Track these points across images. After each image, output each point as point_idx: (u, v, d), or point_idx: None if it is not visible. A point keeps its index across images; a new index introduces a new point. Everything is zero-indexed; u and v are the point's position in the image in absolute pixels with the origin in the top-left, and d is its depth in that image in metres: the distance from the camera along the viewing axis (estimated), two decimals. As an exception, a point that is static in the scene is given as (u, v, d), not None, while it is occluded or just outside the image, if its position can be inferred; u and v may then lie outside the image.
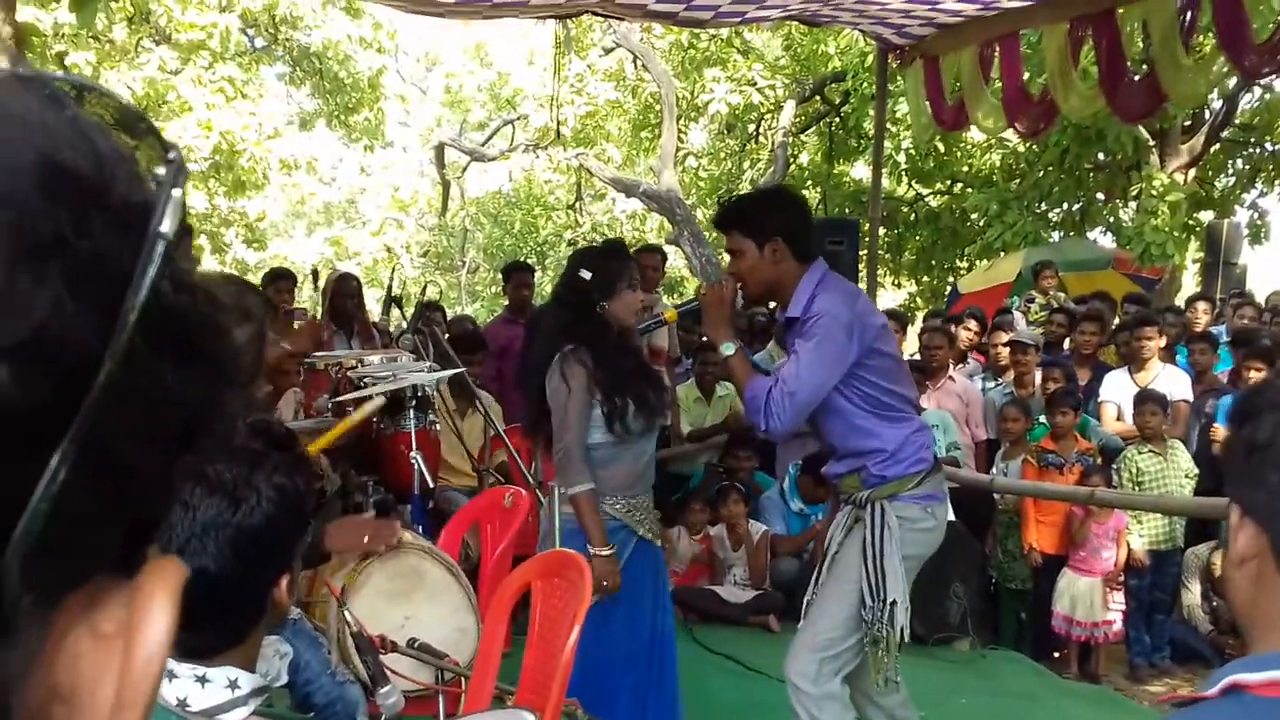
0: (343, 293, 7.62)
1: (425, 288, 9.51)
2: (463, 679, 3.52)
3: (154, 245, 0.46)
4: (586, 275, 4.16)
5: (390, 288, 7.68)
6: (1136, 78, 6.66)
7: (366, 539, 3.53)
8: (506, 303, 9.11)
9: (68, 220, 0.44)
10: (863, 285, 10.17)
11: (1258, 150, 17.49)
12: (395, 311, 8.59)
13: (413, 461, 5.23)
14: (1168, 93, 6.32)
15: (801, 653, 3.94)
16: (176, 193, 0.47)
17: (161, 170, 0.48)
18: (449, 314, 19.66)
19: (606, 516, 4.08)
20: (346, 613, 3.30)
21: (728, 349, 4.04)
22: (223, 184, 18.85)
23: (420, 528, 5.43)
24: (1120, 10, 6.34)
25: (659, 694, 4.32)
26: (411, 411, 5.37)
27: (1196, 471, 7.26)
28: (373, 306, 11.40)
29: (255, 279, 24.63)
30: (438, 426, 5.83)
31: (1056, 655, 7.23)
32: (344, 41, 19.43)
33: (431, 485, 5.28)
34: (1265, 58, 5.76)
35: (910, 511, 3.96)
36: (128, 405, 0.45)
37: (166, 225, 0.46)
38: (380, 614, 3.53)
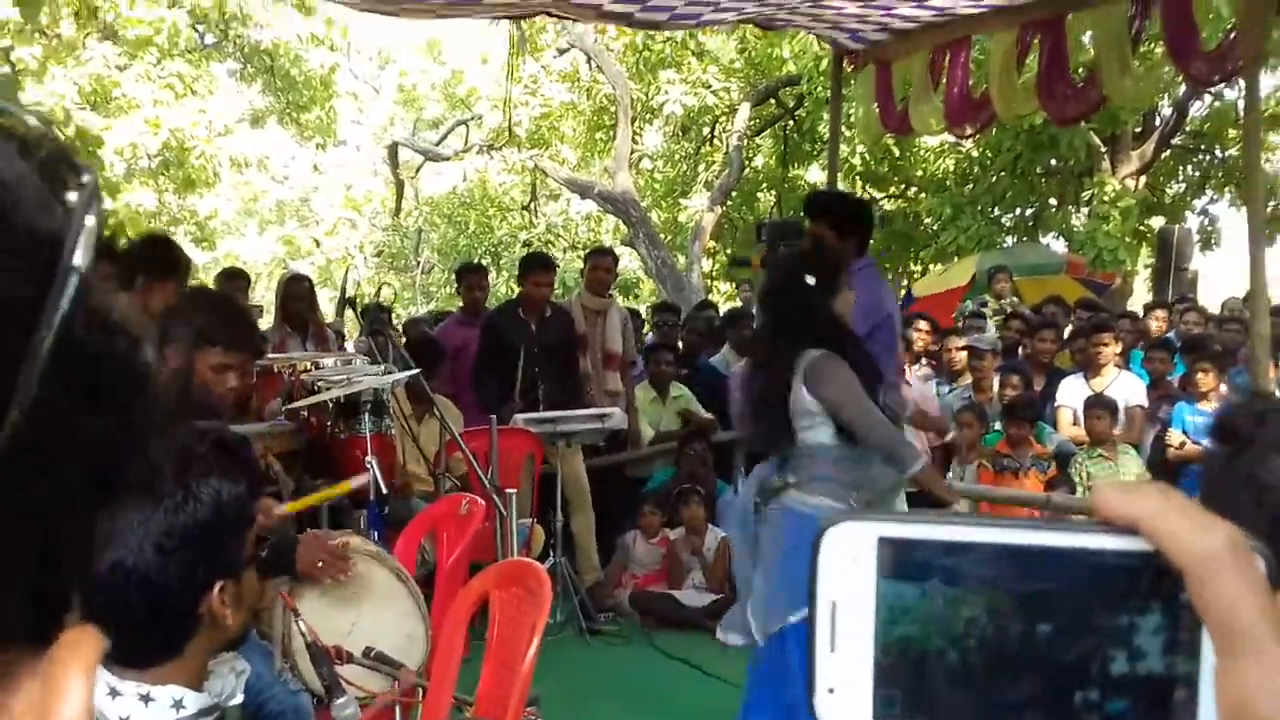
0: (295, 294, 7.55)
1: (380, 289, 9.42)
2: (419, 689, 3.47)
3: (65, 281, 0.41)
4: (811, 280, 4.28)
5: (345, 289, 7.62)
6: (1079, 84, 6.70)
7: (319, 565, 3.46)
8: (460, 304, 9.04)
9: None
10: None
11: (1208, 157, 17.71)
12: (350, 313, 8.52)
13: (368, 466, 5.18)
14: (1111, 97, 6.36)
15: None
16: (90, 220, 0.42)
17: (73, 196, 0.43)
18: (404, 314, 19.53)
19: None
20: (300, 623, 3.25)
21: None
22: (172, 181, 18.66)
23: (375, 533, 5.38)
24: (1070, 16, 6.38)
25: None
26: (367, 416, 5.31)
27: (1148, 477, 7.32)
28: (327, 307, 11.30)
29: (207, 278, 24.47)
30: (393, 431, 5.78)
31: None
32: (295, 39, 19.27)
33: (386, 490, 5.22)
34: (1213, 66, 5.81)
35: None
36: (34, 460, 0.41)
37: (79, 257, 0.42)
38: (325, 620, 3.43)
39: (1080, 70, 6.68)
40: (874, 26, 7.23)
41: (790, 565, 4.20)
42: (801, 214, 18.61)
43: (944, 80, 7.23)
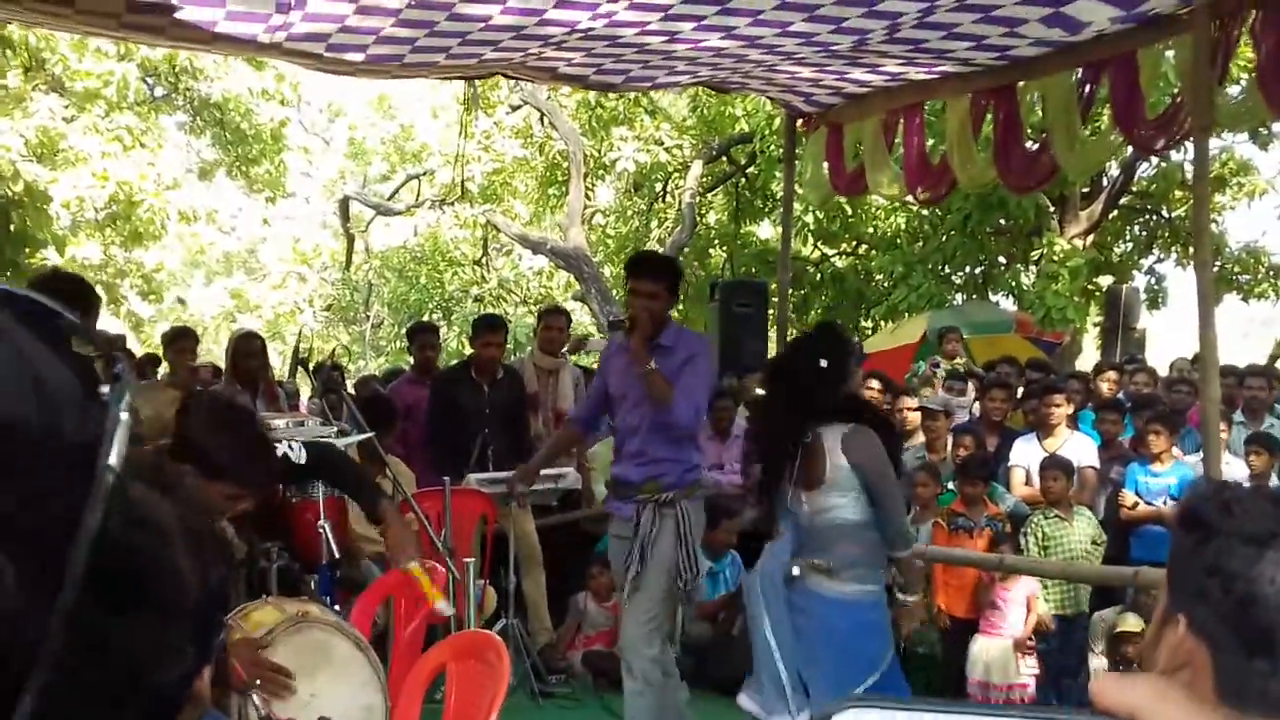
0: (246, 352, 7.50)
1: (334, 350, 9.34)
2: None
3: (102, 485, 0.41)
4: (824, 363, 4.48)
5: (297, 349, 7.56)
6: (1034, 147, 6.78)
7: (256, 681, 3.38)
8: (411, 362, 8.99)
9: (12, 493, 0.39)
10: (772, 346, 10.21)
11: (1154, 217, 17.98)
12: (302, 372, 8.46)
13: (320, 530, 5.11)
14: (1062, 165, 6.43)
15: (633, 626, 5.13)
16: (124, 414, 0.41)
17: (107, 389, 0.42)
18: (353, 368, 19.33)
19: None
20: (255, 696, 3.18)
21: None
22: (119, 234, 18.48)
23: (329, 599, 5.30)
24: (1020, 84, 6.46)
25: None
26: (319, 480, 5.25)
27: (1103, 537, 7.35)
28: (275, 360, 11.20)
29: (152, 333, 24.17)
30: (346, 495, 5.70)
31: (967, 721, 7.21)
32: (245, 94, 19.20)
33: (339, 555, 5.15)
34: (1158, 132, 5.89)
35: (699, 507, 5.33)
36: (75, 668, 0.41)
37: (114, 457, 0.40)
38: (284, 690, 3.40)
39: (1034, 137, 6.76)
40: (827, 90, 7.31)
41: (850, 654, 4.41)
42: (749, 272, 18.71)
43: (899, 144, 7.31)
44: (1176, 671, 1.33)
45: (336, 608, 5.26)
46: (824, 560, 4.40)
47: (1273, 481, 7.85)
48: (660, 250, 19.68)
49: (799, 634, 4.43)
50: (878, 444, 4.38)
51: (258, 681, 3.33)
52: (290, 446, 4.00)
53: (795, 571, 4.42)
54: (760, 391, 8.34)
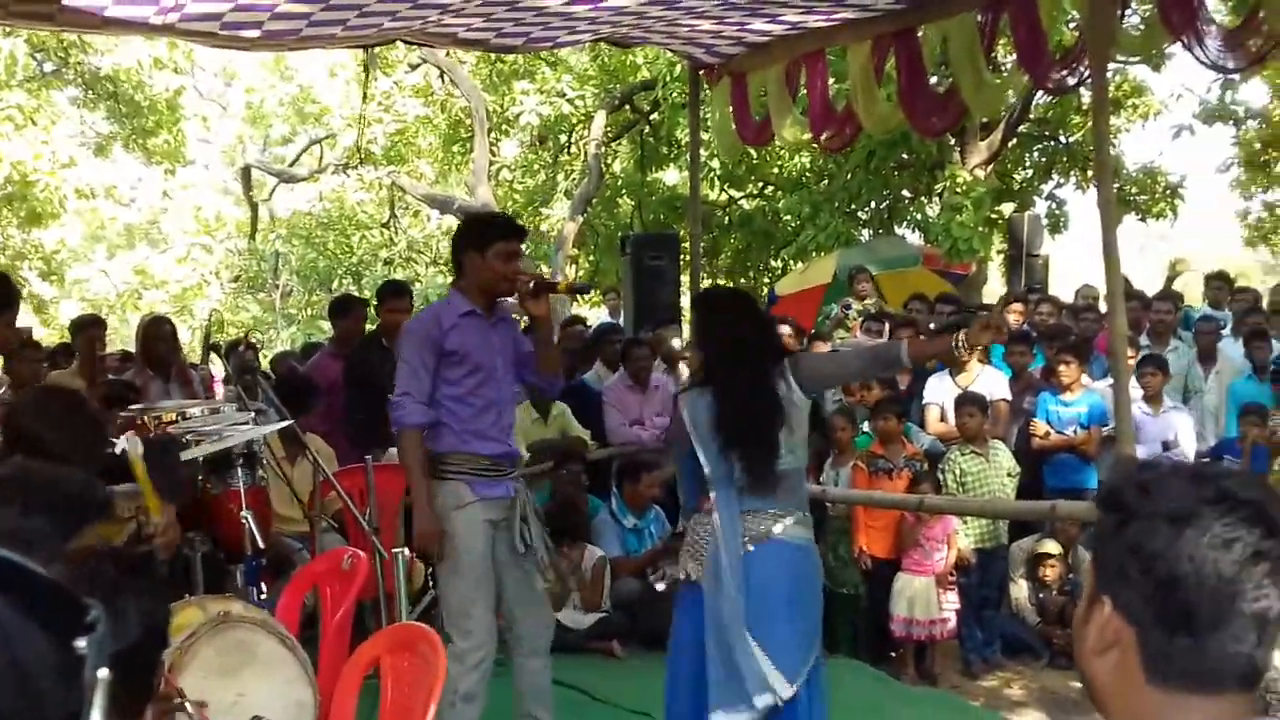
0: (155, 336, 7.36)
1: (247, 332, 9.21)
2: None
3: None
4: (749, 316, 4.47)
5: (208, 332, 7.44)
6: (941, 89, 6.83)
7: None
8: (332, 335, 8.85)
9: None
10: (685, 293, 10.25)
11: (1053, 143, 18.17)
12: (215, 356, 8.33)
13: (243, 521, 5.07)
14: (969, 106, 6.49)
15: (546, 613, 4.97)
16: (102, 673, 0.42)
17: (83, 643, 0.43)
18: (262, 338, 19.06)
19: None
20: (188, 705, 3.17)
21: None
22: (16, 215, 18.05)
23: (254, 589, 5.27)
24: (921, 29, 6.50)
25: None
26: (239, 469, 5.20)
27: (1018, 469, 7.50)
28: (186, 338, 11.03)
29: (55, 314, 23.61)
30: (266, 481, 5.66)
31: (894, 655, 7.36)
32: (137, 65, 18.73)
33: (263, 545, 5.12)
34: (1061, 68, 5.96)
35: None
36: None
37: (96, 715, 0.42)
38: (210, 692, 3.33)
39: (940, 82, 6.81)
40: (728, 41, 7.31)
41: (806, 606, 4.26)
42: (658, 219, 18.66)
43: (803, 92, 7.33)
44: (1105, 651, 1.35)
45: (264, 595, 5.25)
46: (778, 508, 4.22)
47: (1164, 400, 8.07)
48: (568, 202, 19.64)
49: (758, 595, 4.15)
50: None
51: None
52: (127, 442, 3.93)
53: (778, 530, 4.21)
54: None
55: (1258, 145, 20.56)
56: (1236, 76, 16.08)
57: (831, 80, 7.79)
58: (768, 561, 4.17)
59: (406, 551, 5.06)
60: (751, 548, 4.17)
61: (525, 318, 5.12)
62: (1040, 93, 16.39)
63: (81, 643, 0.44)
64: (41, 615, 0.43)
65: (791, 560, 4.22)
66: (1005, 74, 6.62)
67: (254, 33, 5.67)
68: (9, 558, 0.45)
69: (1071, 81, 5.99)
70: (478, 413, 4.74)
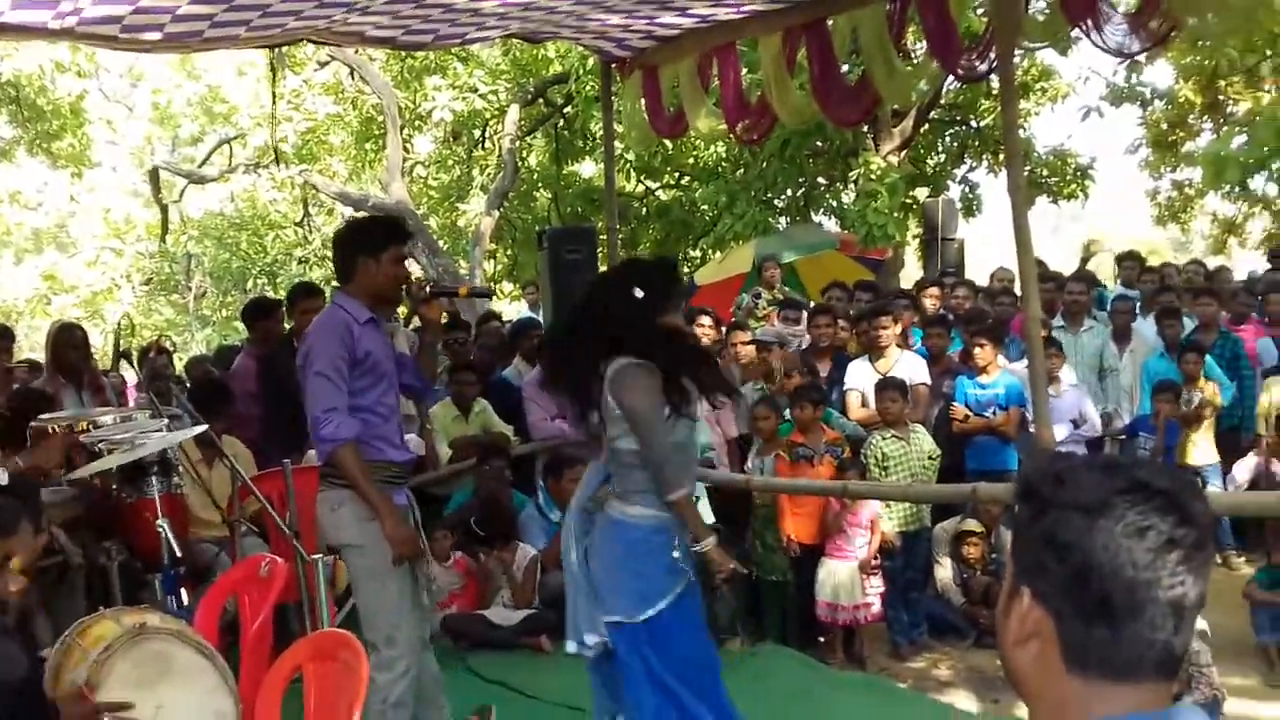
0: (67, 343, 7.23)
1: (158, 340, 9.04)
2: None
3: None
4: (639, 293, 4.34)
5: (118, 338, 7.31)
6: (852, 79, 6.86)
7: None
8: (249, 338, 8.73)
9: None
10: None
11: (964, 128, 18.38)
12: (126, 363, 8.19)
13: (160, 529, 4.99)
14: (882, 95, 6.52)
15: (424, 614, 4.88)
16: None
17: None
18: (175, 340, 18.73)
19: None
20: (108, 716, 3.13)
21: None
22: (-83, 222, 17.63)
23: (172, 598, 5.19)
24: (831, 20, 6.52)
25: None
26: (154, 477, 5.12)
27: (939, 452, 7.58)
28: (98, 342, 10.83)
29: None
30: (183, 488, 5.58)
31: (822, 640, 7.41)
32: (39, 70, 18.33)
33: (180, 554, 5.04)
34: (972, 58, 6.01)
35: None
36: None
37: None
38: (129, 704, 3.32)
39: (852, 71, 6.83)
40: (639, 35, 7.30)
41: (618, 576, 4.35)
42: (576, 212, 18.63)
43: (715, 83, 7.34)
44: (1026, 642, 1.37)
45: (184, 602, 5.17)
46: (617, 486, 4.39)
47: (1064, 375, 8.21)
48: (484, 196, 19.54)
49: (590, 556, 4.45)
50: (644, 384, 4.26)
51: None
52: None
53: (602, 492, 4.45)
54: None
55: (1164, 125, 20.95)
56: (1141, 58, 16.37)
57: (744, 71, 7.81)
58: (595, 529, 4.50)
59: (327, 555, 5.00)
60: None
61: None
62: (951, 79, 16.65)
63: None
64: None
65: (608, 533, 4.42)
66: (917, 62, 6.64)
67: (155, 34, 5.57)
68: None
69: (982, 68, 6.03)
70: (384, 420, 4.70)
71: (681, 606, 4.34)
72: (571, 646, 4.54)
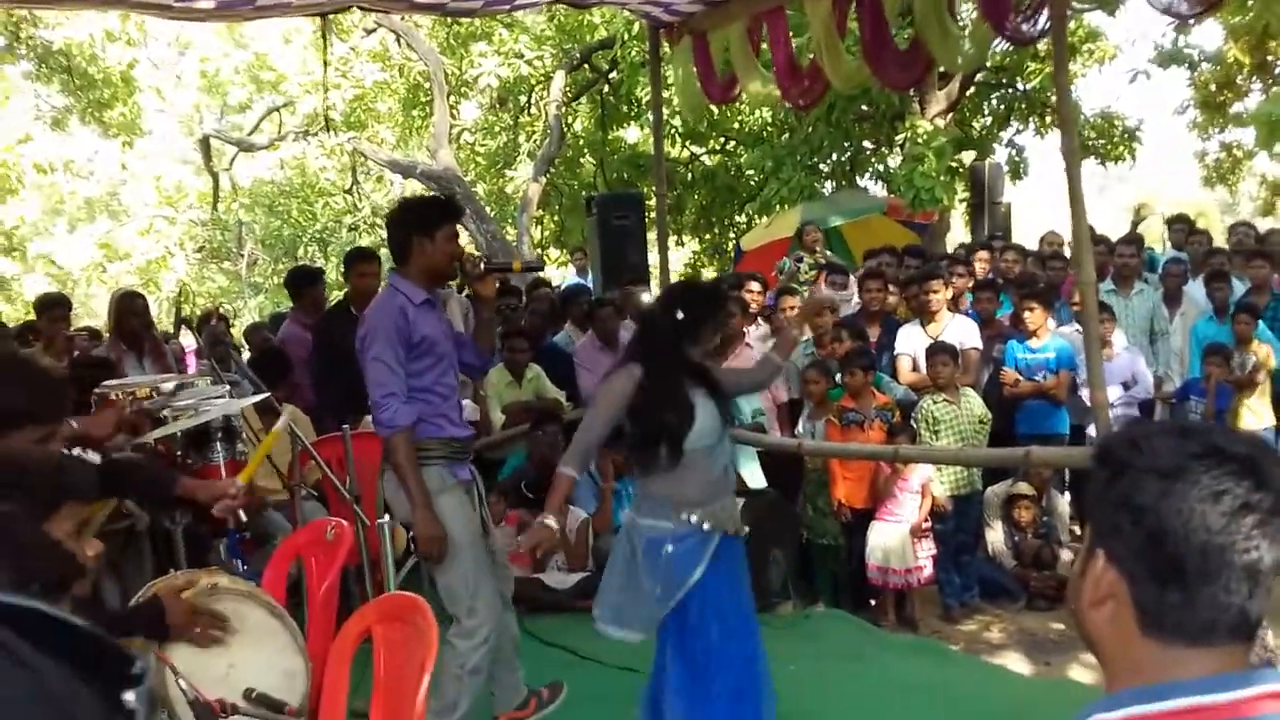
0: (129, 311, 7.33)
1: (218, 305, 9.16)
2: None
3: None
4: (680, 314, 4.46)
5: (179, 305, 7.42)
6: (903, 46, 6.84)
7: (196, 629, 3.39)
8: (295, 306, 8.83)
9: None
10: (653, 251, 10.26)
11: (1010, 91, 18.22)
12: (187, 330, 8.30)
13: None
14: (935, 59, 6.51)
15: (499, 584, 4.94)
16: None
17: (131, 696, 0.44)
18: (230, 308, 18.91)
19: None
20: (182, 681, 3.16)
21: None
22: (-26, 193, 17.86)
23: (238, 561, 5.28)
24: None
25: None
26: (219, 443, 5.20)
27: (989, 416, 7.58)
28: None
29: (18, 290, 23.33)
30: (246, 455, 5.65)
31: (874, 604, 7.45)
32: (89, 39, 18.46)
33: (245, 519, 5.11)
34: (1026, 23, 5.97)
35: None
36: None
37: None
38: (201, 665, 3.36)
39: (904, 35, 6.80)
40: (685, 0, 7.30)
41: (636, 579, 4.49)
42: (621, 178, 18.56)
43: (764, 49, 7.33)
44: (1101, 604, 1.39)
45: (246, 568, 5.26)
46: (638, 493, 4.60)
47: (1115, 339, 8.18)
48: (531, 163, 19.56)
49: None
50: (619, 386, 4.39)
51: (196, 630, 3.35)
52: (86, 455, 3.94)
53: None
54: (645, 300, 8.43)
55: (1212, 87, 20.68)
56: (1190, 20, 16.14)
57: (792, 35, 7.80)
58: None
59: (388, 518, 5.08)
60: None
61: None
62: (999, 42, 16.50)
63: (130, 696, 0.45)
64: (87, 672, 0.44)
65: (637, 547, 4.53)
66: (968, 26, 6.61)
67: (209, 3, 5.64)
68: (50, 614, 0.46)
69: (1033, 31, 6.01)
70: (444, 399, 4.77)
71: (691, 607, 4.47)
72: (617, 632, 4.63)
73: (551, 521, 4.31)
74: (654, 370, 4.40)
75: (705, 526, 4.43)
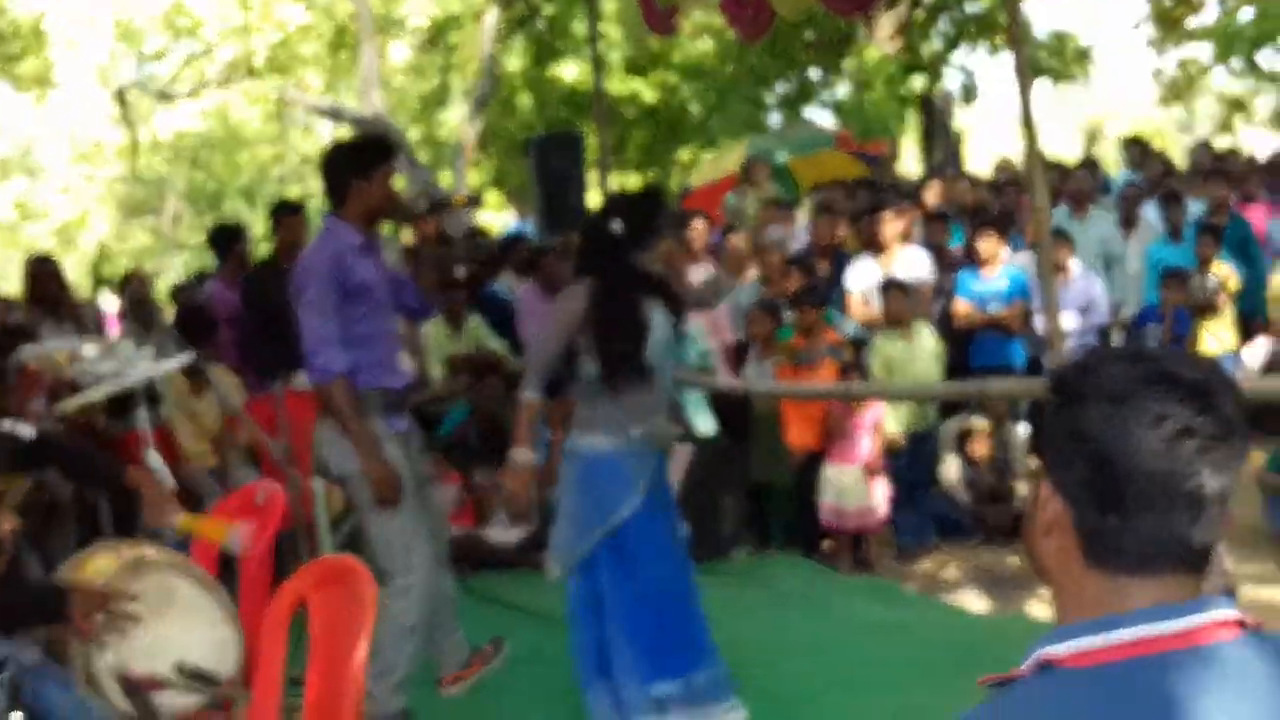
0: (43, 275, 7.13)
1: (137, 268, 8.87)
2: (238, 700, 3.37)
3: None
4: (617, 227, 4.35)
5: (96, 265, 7.19)
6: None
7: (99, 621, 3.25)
8: (219, 265, 8.47)
9: None
10: (595, 191, 9.99)
11: (959, 12, 18.02)
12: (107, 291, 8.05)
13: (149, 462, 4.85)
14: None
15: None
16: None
17: None
18: (156, 269, 18.50)
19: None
20: (109, 654, 3.19)
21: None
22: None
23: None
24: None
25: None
26: (142, 409, 4.99)
27: (942, 350, 7.42)
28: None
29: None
30: (170, 418, 5.47)
31: (828, 546, 7.30)
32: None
33: (172, 486, 4.92)
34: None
35: None
36: None
37: None
38: (131, 638, 3.33)
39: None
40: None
41: (571, 504, 4.41)
42: (559, 116, 18.34)
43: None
44: (1048, 533, 1.37)
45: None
46: (580, 413, 4.44)
47: (1072, 265, 8.03)
48: (465, 105, 19.22)
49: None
50: (571, 306, 4.30)
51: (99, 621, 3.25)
52: (17, 428, 3.77)
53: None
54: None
55: (1168, 2, 20.53)
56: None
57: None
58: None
59: (322, 481, 4.91)
60: None
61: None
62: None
63: None
64: None
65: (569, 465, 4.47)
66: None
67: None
68: None
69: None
70: (381, 346, 4.67)
71: (647, 527, 4.35)
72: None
73: (524, 454, 4.28)
74: (604, 284, 4.29)
75: (648, 442, 4.36)
